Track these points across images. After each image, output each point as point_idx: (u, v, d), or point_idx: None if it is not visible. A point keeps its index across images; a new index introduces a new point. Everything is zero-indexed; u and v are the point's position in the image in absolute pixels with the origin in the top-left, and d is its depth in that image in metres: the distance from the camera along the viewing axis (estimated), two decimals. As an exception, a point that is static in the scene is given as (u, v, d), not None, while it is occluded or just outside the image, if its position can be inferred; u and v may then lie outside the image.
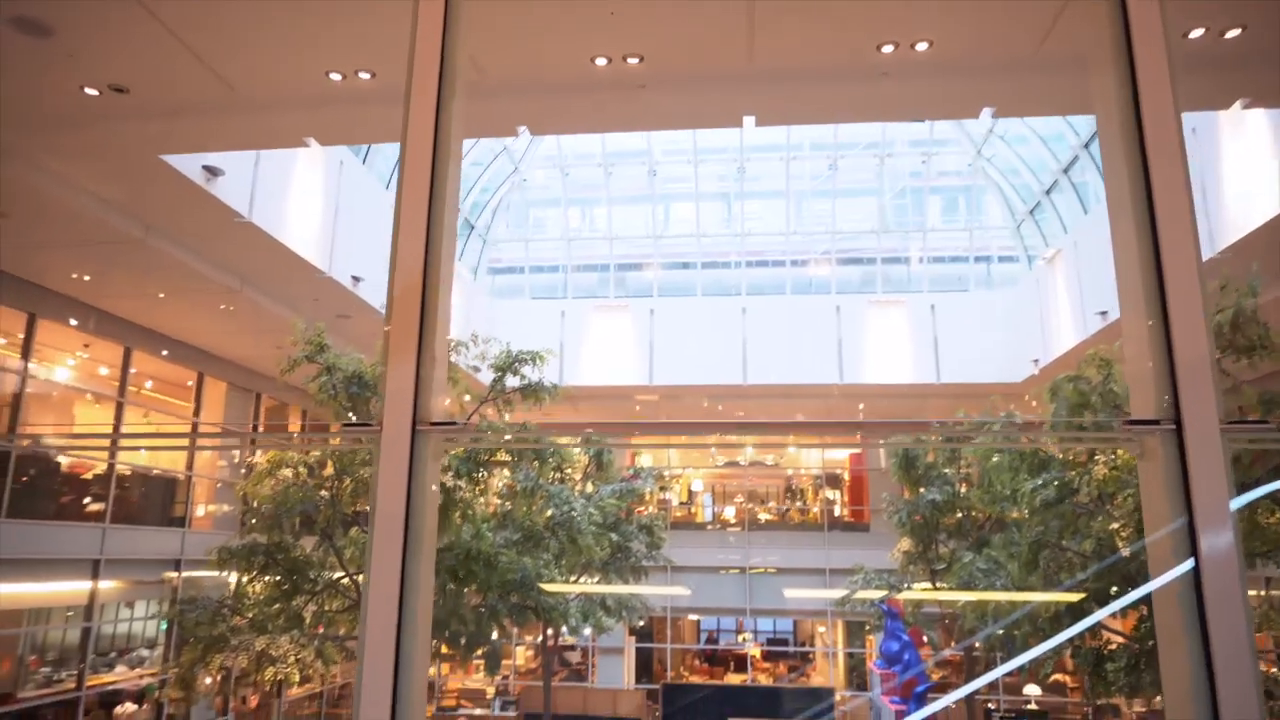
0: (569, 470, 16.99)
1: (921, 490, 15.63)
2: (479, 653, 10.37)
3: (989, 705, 18.64)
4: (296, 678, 9.18)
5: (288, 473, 10.35)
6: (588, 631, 15.04)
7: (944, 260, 20.43)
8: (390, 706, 2.66)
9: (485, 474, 10.35)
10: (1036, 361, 17.14)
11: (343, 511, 9.92)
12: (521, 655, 22.10)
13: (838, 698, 19.79)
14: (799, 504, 24.54)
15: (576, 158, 20.32)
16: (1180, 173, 2.77)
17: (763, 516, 24.36)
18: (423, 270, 3.05)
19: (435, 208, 3.14)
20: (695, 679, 22.51)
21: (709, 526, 23.56)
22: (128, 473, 14.93)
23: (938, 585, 14.82)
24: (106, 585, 13.94)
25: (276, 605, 9.76)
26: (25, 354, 12.58)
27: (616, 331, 19.54)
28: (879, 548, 19.88)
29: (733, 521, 23.26)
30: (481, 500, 10.08)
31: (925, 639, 13.92)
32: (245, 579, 9.84)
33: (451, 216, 3.36)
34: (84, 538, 13.36)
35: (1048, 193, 17.60)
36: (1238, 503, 2.57)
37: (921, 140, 19.60)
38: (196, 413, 15.98)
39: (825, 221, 20.36)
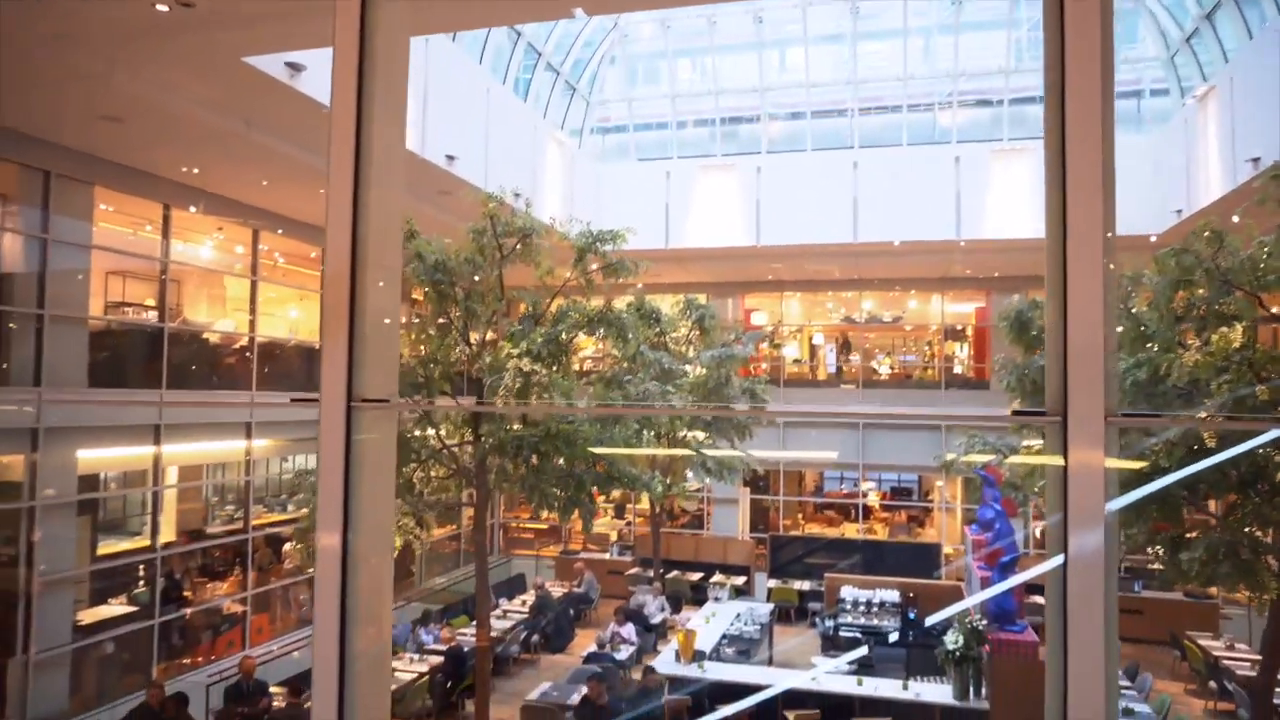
0: (674, 334, 17.33)
1: (1037, 354, 15.01)
2: (575, 514, 11.12)
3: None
4: (398, 542, 10.29)
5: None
6: (675, 488, 15.71)
7: (1085, 97, 18.46)
8: (339, 650, 3.07)
9: (565, 356, 10.80)
10: (1179, 212, 15.63)
11: (435, 392, 10.72)
12: (645, 501, 23.37)
13: (949, 550, 20.03)
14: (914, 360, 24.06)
15: (678, 6, 19.32)
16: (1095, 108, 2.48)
17: (884, 370, 24.09)
18: (350, 251, 3.20)
19: (362, 174, 3.22)
20: (813, 528, 23.22)
21: (828, 381, 23.47)
22: (266, 343, 16.27)
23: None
24: (260, 443, 15.70)
25: (388, 473, 10.77)
26: (165, 237, 13.81)
27: (723, 191, 19.15)
28: (998, 406, 19.39)
29: (848, 378, 23.10)
30: (565, 382, 10.51)
31: (1020, 510, 13.75)
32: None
33: (391, 178, 3.44)
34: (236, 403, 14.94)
35: (1208, 16, 15.40)
36: (1117, 503, 2.48)
37: (1063, -40, 17.33)
38: (322, 285, 17.15)
39: (948, 62, 18.69)
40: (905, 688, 11.46)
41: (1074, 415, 2.50)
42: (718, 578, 18.98)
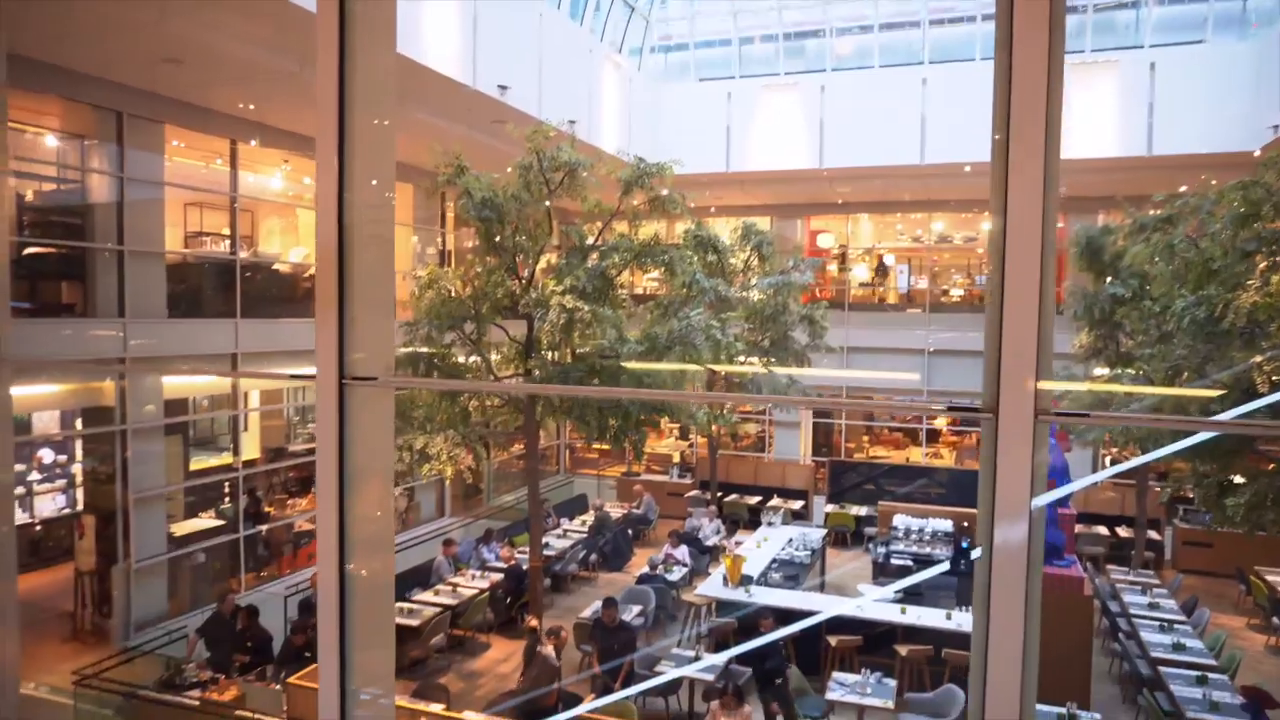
0: (732, 260, 17.20)
1: (1107, 281, 14.46)
2: (626, 442, 11.41)
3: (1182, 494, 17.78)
4: (450, 471, 10.79)
5: (446, 285, 11.51)
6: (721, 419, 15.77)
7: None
8: (339, 607, 3.37)
9: (611, 290, 10.91)
10: (1277, 128, 14.54)
11: (486, 325, 11.04)
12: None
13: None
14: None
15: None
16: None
17: (955, 292, 23.45)
18: (337, 232, 3.34)
19: (346, 161, 3.33)
20: (878, 451, 23.20)
21: (896, 304, 22.99)
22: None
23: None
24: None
25: (444, 404, 11.23)
26: (234, 170, 14.32)
27: (786, 111, 18.62)
28: (1065, 333, 18.76)
29: (913, 301, 22.59)
30: (613, 314, 10.60)
31: (1071, 437, 13.44)
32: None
33: (380, 159, 3.55)
34: (305, 331, 15.55)
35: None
36: (1041, 499, 2.50)
37: None
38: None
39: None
40: (948, 617, 11.58)
41: (1005, 412, 2.52)
42: (774, 502, 19.22)
